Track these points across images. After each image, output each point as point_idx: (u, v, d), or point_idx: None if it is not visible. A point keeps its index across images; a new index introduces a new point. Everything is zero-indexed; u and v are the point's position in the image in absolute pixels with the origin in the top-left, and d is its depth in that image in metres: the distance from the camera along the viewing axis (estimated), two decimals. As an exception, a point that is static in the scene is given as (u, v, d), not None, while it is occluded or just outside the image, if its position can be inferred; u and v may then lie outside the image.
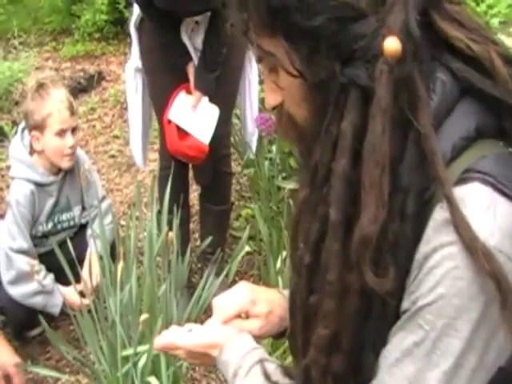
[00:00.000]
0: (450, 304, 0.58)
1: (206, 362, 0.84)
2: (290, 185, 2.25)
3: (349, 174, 0.61)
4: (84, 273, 1.99)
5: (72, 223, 2.19)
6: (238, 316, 0.84)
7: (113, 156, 3.32)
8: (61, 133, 2.02)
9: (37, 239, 2.11)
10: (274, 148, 2.45)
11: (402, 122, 0.60)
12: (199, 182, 2.29)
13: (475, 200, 0.59)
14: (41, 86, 2.05)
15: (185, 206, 2.18)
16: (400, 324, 0.62)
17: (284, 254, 1.96)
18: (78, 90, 3.78)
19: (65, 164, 2.07)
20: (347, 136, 0.61)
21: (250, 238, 2.40)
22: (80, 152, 2.23)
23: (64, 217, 2.17)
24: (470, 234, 0.57)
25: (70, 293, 1.94)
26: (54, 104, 2.01)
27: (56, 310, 2.01)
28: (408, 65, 0.59)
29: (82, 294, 1.88)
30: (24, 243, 2.02)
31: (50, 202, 2.11)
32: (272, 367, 0.77)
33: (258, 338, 0.86)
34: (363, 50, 0.61)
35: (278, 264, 1.99)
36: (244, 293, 0.86)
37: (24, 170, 2.07)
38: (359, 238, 0.60)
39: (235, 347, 0.80)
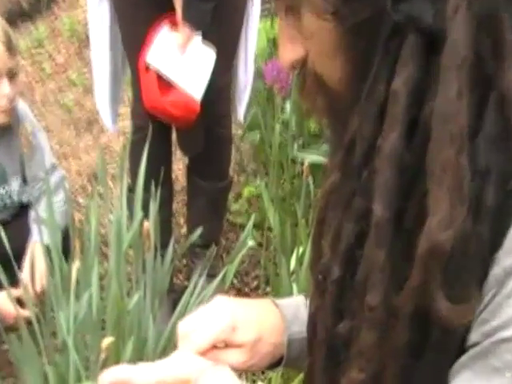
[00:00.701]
0: None
1: None
2: (308, 156, 2.22)
3: (401, 155, 0.59)
4: (24, 272, 1.93)
5: (8, 202, 2.13)
6: (214, 347, 0.79)
7: (68, 109, 3.28)
8: None
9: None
10: (287, 106, 2.40)
11: (481, 79, 0.58)
12: (186, 152, 2.26)
13: None
14: None
15: (166, 183, 2.15)
16: (466, 361, 0.61)
17: (300, 249, 1.94)
18: (19, 15, 3.77)
19: (5, 104, 1.98)
20: (401, 100, 0.59)
21: (254, 225, 2.38)
22: (22, 106, 2.16)
23: None
24: None
25: (2, 300, 1.86)
26: None
27: None
28: None
29: (19, 303, 1.79)
30: None
31: (-25, 168, 2.05)
32: None
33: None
34: None
35: (292, 263, 1.97)
36: (221, 315, 0.80)
37: None
38: (429, 249, 0.57)
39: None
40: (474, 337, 0.60)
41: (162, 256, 1.85)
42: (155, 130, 2.02)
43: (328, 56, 0.65)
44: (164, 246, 1.86)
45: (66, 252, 1.84)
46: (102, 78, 2.16)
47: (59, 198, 2.09)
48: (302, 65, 0.69)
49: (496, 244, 0.59)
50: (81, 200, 2.71)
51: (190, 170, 2.27)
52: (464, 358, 0.61)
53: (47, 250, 1.80)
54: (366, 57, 0.62)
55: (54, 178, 2.12)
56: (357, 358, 0.65)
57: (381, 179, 0.60)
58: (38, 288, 1.85)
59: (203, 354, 0.78)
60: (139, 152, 1.90)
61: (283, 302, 0.87)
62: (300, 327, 0.84)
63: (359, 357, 0.64)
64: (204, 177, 2.23)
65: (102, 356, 1.50)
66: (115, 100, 2.21)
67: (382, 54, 0.61)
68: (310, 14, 0.63)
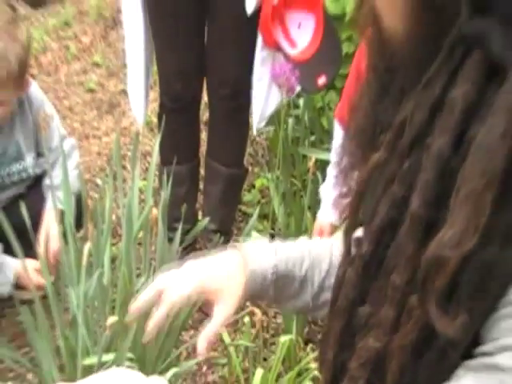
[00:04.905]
0: None
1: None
2: (317, 154, 2.26)
3: (448, 159, 0.60)
4: (40, 239, 2.03)
5: (24, 175, 2.20)
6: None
7: (91, 90, 3.32)
8: None
9: (-21, 199, 2.12)
10: (301, 102, 2.44)
11: None
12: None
13: None
14: None
15: (192, 159, 2.27)
16: (475, 365, 0.61)
17: None
18: (48, -7, 3.81)
19: None
20: (456, 111, 0.59)
21: (264, 216, 2.44)
22: (35, 90, 2.18)
23: (14, 168, 2.17)
24: None
25: (25, 266, 1.90)
26: None
27: (5, 290, 2.01)
28: None
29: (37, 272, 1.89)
30: None
31: (-4, 152, 2.09)
32: None
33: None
34: (505, 8, 0.57)
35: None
36: (195, 272, 0.94)
37: None
38: (433, 256, 0.59)
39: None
40: (486, 348, 0.61)
41: (170, 240, 1.89)
42: (182, 107, 2.16)
43: (394, 6, 0.64)
44: (178, 221, 1.95)
45: (80, 215, 1.92)
46: (138, 72, 2.20)
47: (71, 163, 2.15)
48: None
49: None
50: (99, 180, 2.73)
51: (208, 155, 2.32)
52: (473, 362, 0.61)
53: (62, 215, 1.87)
54: (430, 38, 0.61)
55: (66, 146, 2.15)
56: (375, 328, 0.67)
57: (424, 176, 0.61)
58: (52, 252, 1.94)
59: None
60: (165, 126, 2.01)
61: (247, 244, 0.97)
62: (260, 264, 0.93)
63: (377, 327, 0.66)
64: (222, 162, 2.26)
65: (107, 333, 1.58)
66: (147, 96, 2.26)
67: (446, 56, 0.60)
68: None
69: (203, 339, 0.93)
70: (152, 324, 0.93)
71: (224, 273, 0.94)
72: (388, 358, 0.65)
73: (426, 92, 0.62)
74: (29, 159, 2.19)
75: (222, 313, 0.93)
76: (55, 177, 2.07)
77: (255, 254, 0.94)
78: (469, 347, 0.61)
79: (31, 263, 1.94)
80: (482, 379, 0.59)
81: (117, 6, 2.42)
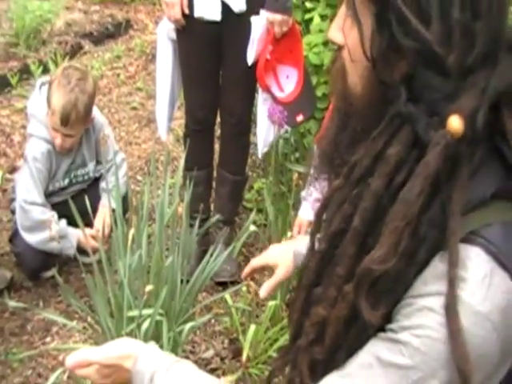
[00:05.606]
0: (434, 347, 0.59)
1: (119, 379, 0.82)
2: (299, 168, 2.32)
3: (381, 196, 0.63)
4: (97, 221, 2.13)
5: (86, 177, 2.28)
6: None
7: (134, 108, 3.33)
8: (53, 129, 2.05)
9: (53, 192, 2.20)
10: (288, 128, 2.44)
11: (438, 185, 0.61)
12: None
13: (475, 266, 0.61)
14: (66, 77, 2.02)
15: (207, 168, 2.29)
16: (384, 336, 0.64)
17: (289, 235, 2.00)
18: (106, 35, 3.81)
19: (57, 148, 2.10)
20: (389, 163, 0.62)
21: (260, 210, 2.49)
22: (98, 116, 2.23)
23: (79, 172, 2.25)
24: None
25: (85, 234, 1.99)
26: (57, 103, 2.01)
27: (71, 252, 2.08)
28: (462, 148, 0.60)
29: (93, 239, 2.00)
30: (38, 198, 2.08)
31: (67, 161, 2.18)
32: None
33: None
34: (430, 103, 0.61)
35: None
36: (274, 252, 1.19)
37: (42, 130, 2.09)
38: (365, 268, 0.62)
39: (150, 356, 0.79)
40: (392, 326, 0.63)
41: (191, 226, 1.92)
42: (201, 128, 2.20)
43: (355, 69, 0.65)
44: (197, 212, 2.02)
45: (125, 208, 2.00)
46: (163, 101, 2.24)
47: (121, 172, 2.24)
48: (338, 48, 0.68)
49: (416, 276, 0.62)
50: (139, 177, 2.78)
51: (219, 165, 2.35)
52: (382, 334, 0.63)
53: (113, 210, 1.94)
54: (378, 107, 0.64)
55: (117, 159, 2.25)
56: (323, 302, 0.69)
57: (363, 204, 0.64)
58: (106, 232, 2.06)
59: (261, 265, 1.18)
60: (189, 142, 2.09)
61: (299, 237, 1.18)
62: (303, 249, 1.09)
63: (325, 301, 0.69)
64: (229, 170, 2.30)
65: (144, 298, 1.64)
66: (170, 118, 2.32)
67: (388, 123, 0.63)
68: (358, 39, 0.63)
69: (265, 288, 1.14)
70: (249, 268, 1.20)
71: (282, 253, 1.15)
72: (327, 325, 0.68)
73: (373, 145, 0.65)
74: (90, 166, 2.26)
75: (277, 274, 1.14)
76: (109, 182, 2.14)
77: (298, 243, 1.13)
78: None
79: (88, 231, 2.02)
80: (389, 346, 0.62)
81: (155, 45, 2.43)
